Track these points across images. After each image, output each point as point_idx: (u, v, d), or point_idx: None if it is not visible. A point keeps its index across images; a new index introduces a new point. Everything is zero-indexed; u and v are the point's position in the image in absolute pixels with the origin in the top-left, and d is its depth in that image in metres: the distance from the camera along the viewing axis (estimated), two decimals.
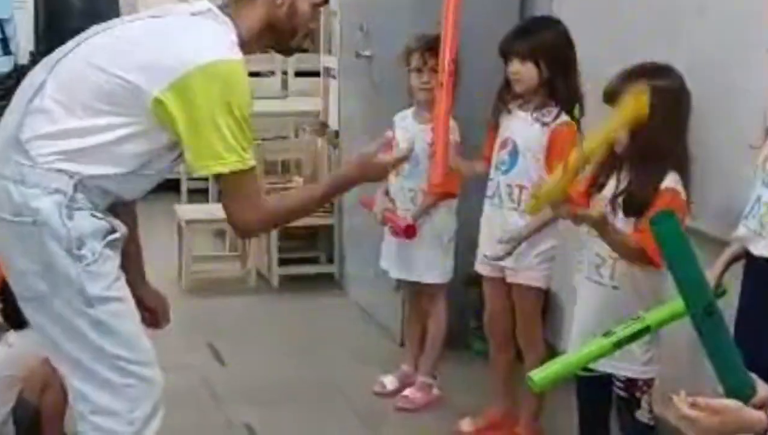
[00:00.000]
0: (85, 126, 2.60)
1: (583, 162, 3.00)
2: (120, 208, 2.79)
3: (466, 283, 4.80)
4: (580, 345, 3.27)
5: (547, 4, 4.75)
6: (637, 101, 2.86)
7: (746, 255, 2.95)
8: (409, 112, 4.51)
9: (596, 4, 4.43)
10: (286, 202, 2.86)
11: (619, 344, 2.80)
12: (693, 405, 2.10)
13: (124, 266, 2.74)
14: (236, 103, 2.60)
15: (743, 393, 2.18)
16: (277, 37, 2.83)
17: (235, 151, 2.61)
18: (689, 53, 3.65)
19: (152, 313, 3.06)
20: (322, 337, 5.33)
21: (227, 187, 2.68)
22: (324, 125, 6.56)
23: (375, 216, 4.48)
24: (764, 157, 2.91)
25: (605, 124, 3.01)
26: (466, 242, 4.40)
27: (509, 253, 3.91)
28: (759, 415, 2.14)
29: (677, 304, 2.83)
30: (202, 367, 4.88)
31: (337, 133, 6.17)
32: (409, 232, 4.33)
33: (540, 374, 2.78)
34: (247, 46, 2.75)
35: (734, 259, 2.98)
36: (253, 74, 4.97)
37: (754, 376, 2.22)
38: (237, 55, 2.66)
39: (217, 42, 2.65)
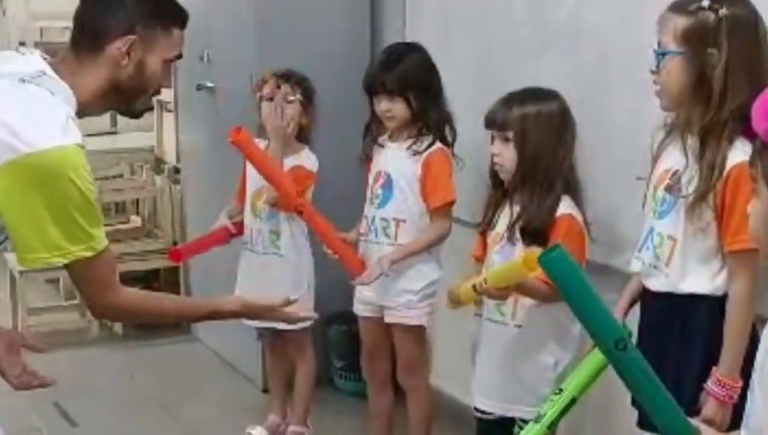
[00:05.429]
0: None
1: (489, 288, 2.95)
2: None
3: (328, 321, 4.61)
4: (486, 392, 3.16)
5: (400, 30, 4.59)
6: (527, 261, 2.75)
7: (643, 290, 2.81)
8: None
9: (451, 24, 4.29)
10: (150, 303, 2.56)
11: (552, 425, 2.64)
12: None
13: None
14: (73, 191, 2.22)
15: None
16: (122, 98, 2.44)
17: (79, 240, 2.26)
18: (557, 75, 3.54)
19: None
20: (177, 388, 4.99)
21: (77, 273, 2.35)
22: (159, 161, 6.25)
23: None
24: (654, 186, 2.77)
25: (507, 268, 2.96)
26: (325, 279, 4.19)
27: (377, 277, 3.72)
28: None
29: (591, 363, 2.69)
30: (51, 430, 4.51)
31: (177, 169, 5.88)
32: (173, 255, 4.48)
33: None
34: (86, 109, 2.37)
35: (636, 298, 2.84)
36: None
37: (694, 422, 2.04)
38: (72, 137, 2.23)
39: (50, 122, 2.22)
